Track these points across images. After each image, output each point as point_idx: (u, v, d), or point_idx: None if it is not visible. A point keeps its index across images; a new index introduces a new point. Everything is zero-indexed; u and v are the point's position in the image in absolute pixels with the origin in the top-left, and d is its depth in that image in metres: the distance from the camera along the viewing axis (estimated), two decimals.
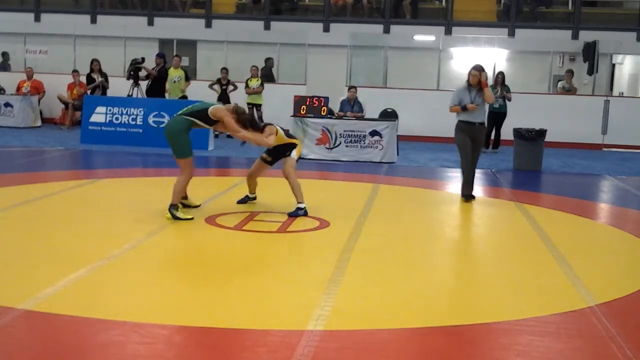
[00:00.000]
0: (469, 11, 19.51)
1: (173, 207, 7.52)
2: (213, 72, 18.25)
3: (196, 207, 8.07)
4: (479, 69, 9.57)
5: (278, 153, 8.36)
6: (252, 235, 7.16)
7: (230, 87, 17.17)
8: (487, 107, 10.11)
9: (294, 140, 8.40)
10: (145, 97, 16.17)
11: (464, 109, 9.43)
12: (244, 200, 8.63)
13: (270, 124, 8.27)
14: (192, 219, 7.52)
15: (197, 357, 4.13)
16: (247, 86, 17.14)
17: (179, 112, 7.77)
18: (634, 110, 18.02)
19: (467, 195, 9.52)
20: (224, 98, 16.71)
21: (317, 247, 6.84)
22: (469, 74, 9.56)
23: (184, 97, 16.54)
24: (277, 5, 20.21)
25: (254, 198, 8.72)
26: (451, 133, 19.19)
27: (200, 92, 16.85)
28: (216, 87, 17.16)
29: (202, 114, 7.65)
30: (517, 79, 18.21)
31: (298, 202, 8.10)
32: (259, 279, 5.77)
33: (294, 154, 8.27)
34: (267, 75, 18.69)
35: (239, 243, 6.91)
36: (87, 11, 20.36)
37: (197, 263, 6.18)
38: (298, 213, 8.00)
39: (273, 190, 10.25)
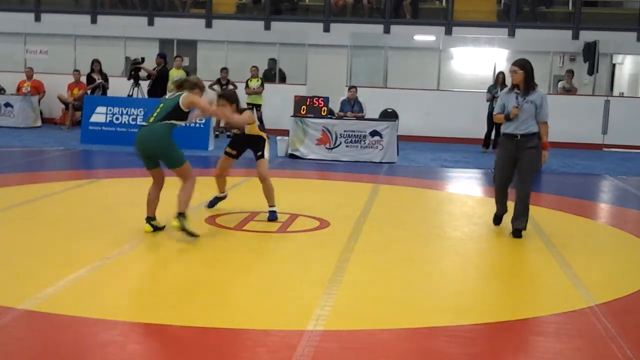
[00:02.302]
0: (469, 11, 19.51)
1: (182, 215, 6.63)
2: (213, 72, 18.23)
3: (161, 228, 7.04)
4: (518, 64, 7.36)
5: (244, 146, 7.90)
6: (252, 235, 7.16)
7: (230, 87, 17.15)
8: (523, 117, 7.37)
9: (262, 134, 7.92)
10: (147, 97, 16.17)
11: (508, 118, 7.35)
12: (213, 203, 8.15)
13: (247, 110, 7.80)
14: (199, 236, 6.73)
15: (197, 357, 4.13)
16: (247, 86, 17.14)
17: (153, 120, 6.77)
18: (634, 110, 18.02)
19: (517, 230, 7.41)
20: None
21: (317, 247, 6.84)
22: (510, 71, 7.54)
23: None
24: (277, 5, 20.22)
25: (225, 197, 8.24)
26: (451, 133, 19.29)
27: None
28: (216, 87, 17.12)
29: (175, 111, 6.73)
30: None
31: (271, 205, 7.74)
32: (259, 279, 5.77)
33: (266, 154, 7.77)
34: (268, 76, 18.73)
35: (239, 243, 6.91)
36: (87, 11, 20.36)
37: (197, 263, 6.18)
38: (275, 216, 7.69)
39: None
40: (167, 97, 6.98)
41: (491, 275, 6.28)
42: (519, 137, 7.32)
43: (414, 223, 8.18)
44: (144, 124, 6.88)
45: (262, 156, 7.73)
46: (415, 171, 12.63)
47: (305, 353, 4.13)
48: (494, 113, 7.64)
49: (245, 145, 7.89)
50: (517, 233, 7.38)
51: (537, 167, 7.49)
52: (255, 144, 7.80)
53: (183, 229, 6.59)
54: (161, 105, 6.86)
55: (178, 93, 6.85)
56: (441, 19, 19.58)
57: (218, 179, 8.16)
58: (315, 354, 4.14)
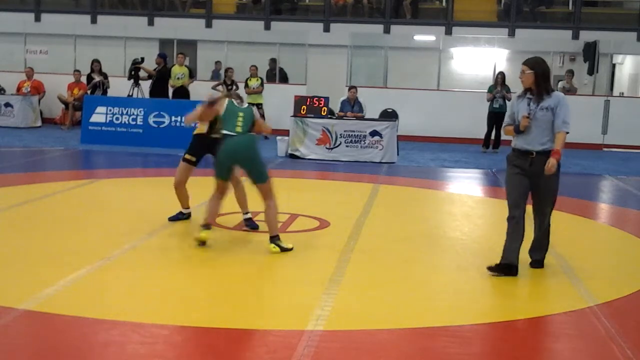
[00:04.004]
0: (469, 11, 19.51)
1: (276, 238, 6.47)
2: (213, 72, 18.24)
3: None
4: (527, 63, 6.06)
5: (204, 150, 7.27)
6: (252, 235, 7.16)
7: (234, 87, 17.10)
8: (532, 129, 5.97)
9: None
10: (148, 97, 16.16)
11: (518, 130, 5.96)
12: (176, 217, 7.51)
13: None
14: (292, 248, 6.51)
15: (197, 357, 4.13)
16: (246, 86, 17.12)
17: (241, 130, 6.48)
18: (634, 110, 18.02)
19: (536, 260, 6.27)
20: None
21: (317, 247, 6.84)
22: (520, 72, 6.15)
23: (185, 89, 16.46)
24: (277, 5, 20.22)
25: (189, 215, 7.60)
26: (451, 133, 19.28)
27: (202, 92, 16.82)
28: (221, 88, 16.89)
29: (253, 124, 6.63)
30: (518, 79, 18.14)
31: (246, 212, 7.35)
32: (259, 279, 5.77)
33: None
34: (268, 76, 18.70)
35: (238, 243, 6.91)
36: (87, 11, 20.36)
37: (197, 263, 6.18)
38: (256, 224, 7.32)
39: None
40: (236, 104, 6.65)
41: (491, 275, 6.27)
42: (534, 154, 5.92)
43: (414, 223, 8.18)
44: (232, 133, 6.46)
45: None
46: (415, 171, 12.63)
47: (305, 353, 4.14)
48: (503, 125, 6.34)
49: (205, 149, 7.24)
50: (536, 264, 6.24)
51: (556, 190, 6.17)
52: (217, 147, 6.84)
53: (283, 249, 6.43)
54: (241, 114, 6.56)
55: (246, 105, 6.73)
56: (441, 19, 19.58)
57: (178, 190, 7.46)
58: (315, 354, 4.14)
